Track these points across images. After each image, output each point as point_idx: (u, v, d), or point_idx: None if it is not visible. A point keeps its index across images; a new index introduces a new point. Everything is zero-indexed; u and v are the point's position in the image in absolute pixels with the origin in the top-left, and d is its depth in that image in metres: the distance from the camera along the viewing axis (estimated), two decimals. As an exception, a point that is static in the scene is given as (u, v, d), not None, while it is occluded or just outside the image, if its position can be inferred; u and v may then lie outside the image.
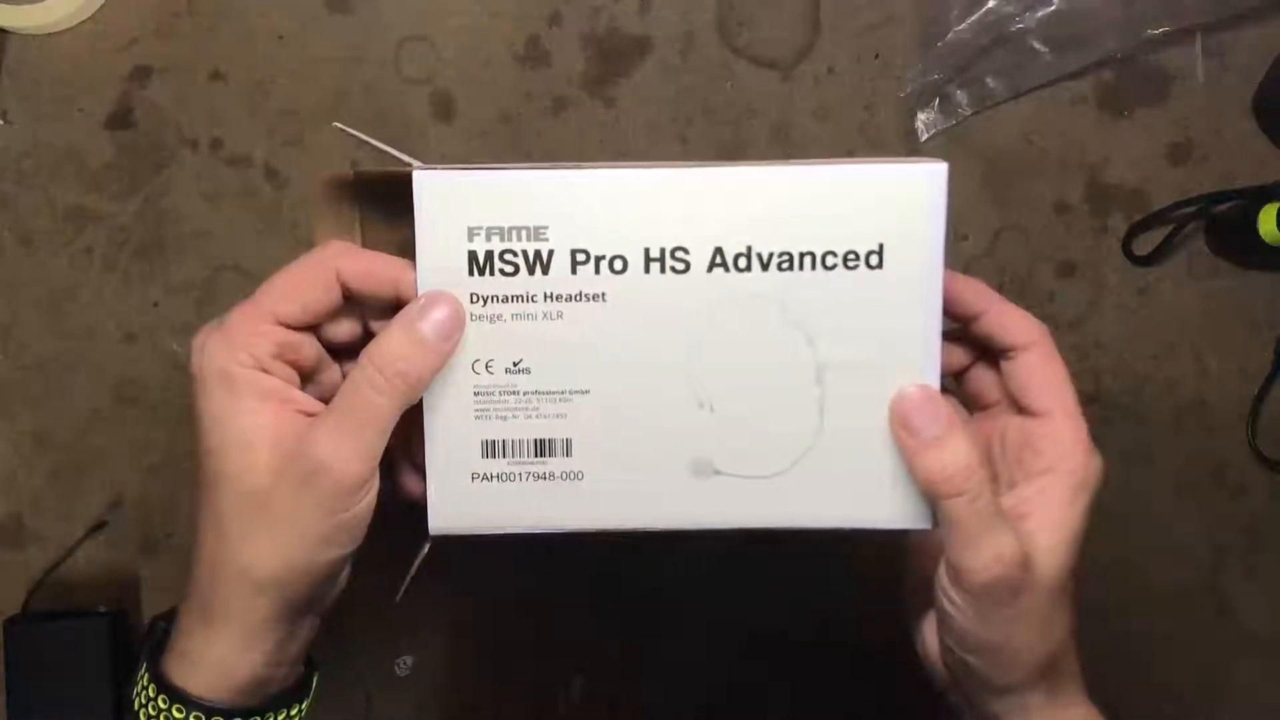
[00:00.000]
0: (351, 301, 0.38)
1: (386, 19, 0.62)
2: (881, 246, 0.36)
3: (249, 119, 0.62)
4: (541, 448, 0.38)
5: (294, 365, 0.38)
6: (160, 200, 0.62)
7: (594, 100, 0.62)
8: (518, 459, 0.38)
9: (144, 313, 0.62)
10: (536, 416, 0.37)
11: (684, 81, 0.62)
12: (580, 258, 0.36)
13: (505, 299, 0.36)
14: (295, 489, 0.35)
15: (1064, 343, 0.63)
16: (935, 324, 0.37)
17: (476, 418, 0.37)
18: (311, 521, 0.35)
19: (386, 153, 0.37)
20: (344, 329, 0.39)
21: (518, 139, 0.62)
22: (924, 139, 0.62)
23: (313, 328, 0.38)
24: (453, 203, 0.36)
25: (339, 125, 0.39)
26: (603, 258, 0.36)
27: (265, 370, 0.37)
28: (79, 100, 0.62)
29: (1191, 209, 0.61)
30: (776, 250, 0.36)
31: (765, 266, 0.36)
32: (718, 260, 0.36)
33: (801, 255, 0.36)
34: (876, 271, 0.36)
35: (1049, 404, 0.38)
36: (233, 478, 0.36)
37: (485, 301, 0.36)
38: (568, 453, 0.38)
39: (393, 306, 0.38)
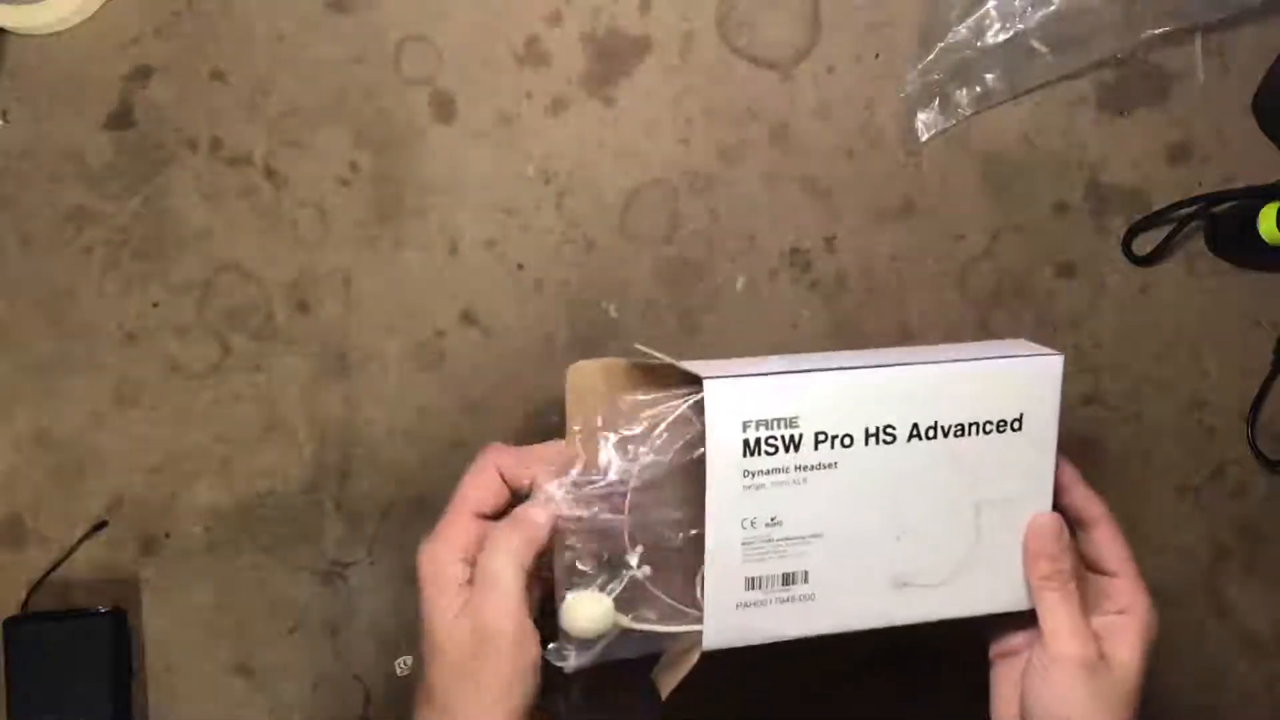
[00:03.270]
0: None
1: (386, 19, 0.62)
2: (1022, 415, 0.48)
3: (249, 119, 0.62)
4: (788, 579, 0.48)
5: None
6: (160, 200, 0.62)
7: (594, 100, 0.62)
8: (770, 590, 0.48)
9: (144, 313, 0.62)
10: (784, 556, 0.48)
11: (684, 81, 0.62)
12: (821, 437, 0.47)
13: (767, 471, 0.47)
14: (482, 654, 0.46)
15: (1064, 343, 0.63)
16: (1052, 467, 0.49)
17: (744, 561, 0.47)
18: (497, 677, 0.46)
19: (670, 363, 0.47)
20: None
21: (518, 139, 0.62)
22: (924, 139, 0.62)
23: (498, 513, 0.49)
24: (733, 404, 0.46)
25: (640, 347, 0.49)
26: (837, 436, 0.47)
27: (469, 560, 0.47)
28: (79, 100, 0.62)
29: (1191, 209, 0.61)
30: (954, 422, 0.48)
31: (946, 434, 0.48)
32: (915, 432, 0.48)
33: (970, 424, 0.48)
34: (1018, 433, 0.48)
35: (1119, 569, 0.50)
36: (442, 653, 0.47)
37: (753, 475, 0.47)
38: (805, 581, 0.48)
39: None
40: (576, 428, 0.48)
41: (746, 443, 0.46)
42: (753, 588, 0.48)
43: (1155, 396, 0.63)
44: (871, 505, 0.48)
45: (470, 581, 0.47)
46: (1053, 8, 0.60)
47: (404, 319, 0.63)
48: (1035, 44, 0.61)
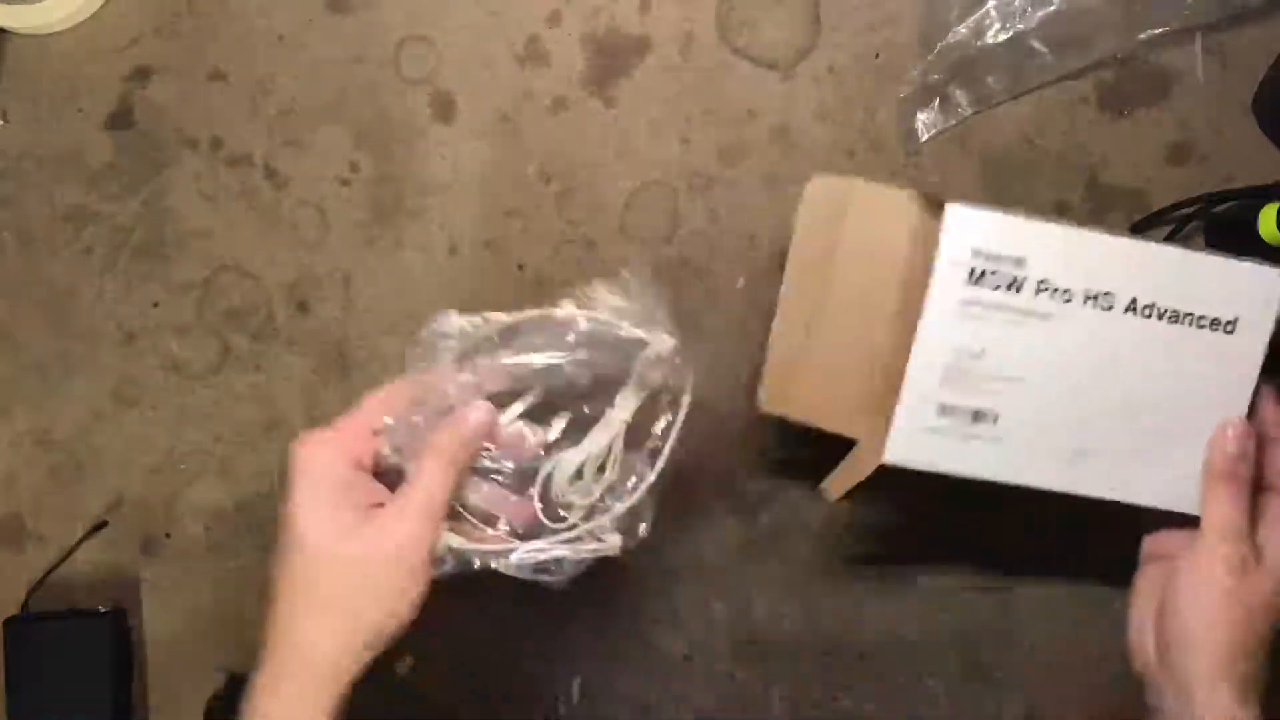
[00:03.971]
0: None
1: (386, 19, 0.62)
2: (1236, 319, 0.49)
3: (249, 119, 0.62)
4: (978, 415, 0.49)
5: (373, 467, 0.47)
6: (160, 200, 0.62)
7: (594, 100, 0.62)
8: (960, 421, 0.49)
9: (144, 313, 0.62)
10: (979, 392, 0.49)
11: (684, 81, 0.62)
12: (1042, 285, 0.48)
13: (985, 305, 0.48)
14: (360, 565, 0.44)
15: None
16: (1255, 376, 0.50)
17: (940, 385, 0.49)
18: (374, 596, 0.45)
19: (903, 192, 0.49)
20: None
21: (518, 139, 0.62)
22: (924, 139, 0.62)
23: None
24: (969, 230, 0.48)
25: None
26: (1058, 290, 0.48)
27: (359, 466, 0.46)
28: (79, 100, 0.62)
29: (1191, 209, 0.61)
30: (1170, 307, 0.49)
31: (1161, 316, 0.49)
32: (1131, 306, 0.49)
33: (1185, 314, 0.49)
34: (1230, 335, 0.50)
35: None
36: (309, 558, 0.44)
37: (970, 304, 0.48)
38: (994, 422, 0.49)
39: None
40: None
41: (973, 270, 0.48)
42: (944, 415, 0.49)
43: (1155, 396, 0.63)
44: (1074, 366, 0.49)
45: (355, 494, 0.46)
46: (1053, 8, 0.60)
47: (404, 319, 0.63)
48: (1035, 44, 0.60)
